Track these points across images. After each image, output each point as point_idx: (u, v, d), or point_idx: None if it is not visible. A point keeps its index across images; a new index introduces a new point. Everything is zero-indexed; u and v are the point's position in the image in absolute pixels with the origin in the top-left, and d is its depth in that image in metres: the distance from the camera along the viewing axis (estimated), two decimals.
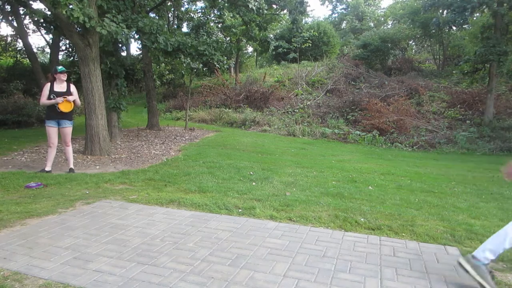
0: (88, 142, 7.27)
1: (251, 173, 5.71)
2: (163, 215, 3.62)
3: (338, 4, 38.16)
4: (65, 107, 5.56)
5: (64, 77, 5.64)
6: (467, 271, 2.26)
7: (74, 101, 5.69)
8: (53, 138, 5.62)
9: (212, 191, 4.55)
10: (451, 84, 16.63)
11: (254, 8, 9.83)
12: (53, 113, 5.57)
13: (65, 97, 5.53)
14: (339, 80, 18.13)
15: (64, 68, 5.73)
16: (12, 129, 12.22)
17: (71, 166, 5.76)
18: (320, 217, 3.61)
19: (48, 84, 5.61)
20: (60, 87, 5.62)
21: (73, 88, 5.75)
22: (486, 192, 5.22)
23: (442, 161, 9.06)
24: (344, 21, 36.16)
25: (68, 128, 5.73)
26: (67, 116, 5.68)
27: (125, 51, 12.56)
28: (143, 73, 12.14)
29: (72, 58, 17.48)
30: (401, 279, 2.38)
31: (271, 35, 13.07)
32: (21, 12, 14.75)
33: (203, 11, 20.25)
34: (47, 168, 5.62)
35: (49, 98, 5.50)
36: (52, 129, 5.61)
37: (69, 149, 5.80)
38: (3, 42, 19.66)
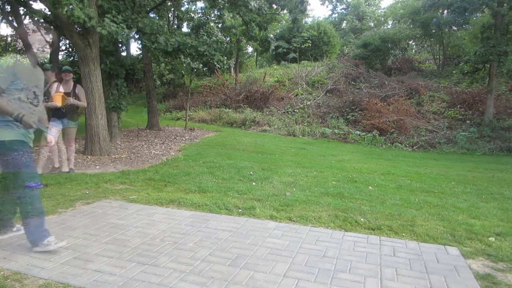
0: (88, 142, 7.27)
1: (251, 173, 5.71)
2: (163, 215, 3.62)
3: (338, 4, 38.19)
4: (57, 100, 5.25)
5: (67, 76, 5.54)
6: None
7: (76, 101, 5.54)
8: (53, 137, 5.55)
9: (212, 191, 4.55)
10: (451, 84, 16.63)
11: (254, 7, 9.82)
12: (57, 112, 5.46)
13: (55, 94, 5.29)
14: (339, 80, 18.13)
15: (67, 68, 5.65)
16: None
17: (71, 166, 5.74)
18: (320, 217, 3.61)
19: (55, 85, 5.46)
20: (65, 87, 5.51)
21: (78, 89, 5.66)
22: (486, 192, 5.22)
23: (442, 161, 9.06)
24: (344, 21, 36.18)
25: (71, 128, 5.69)
26: (71, 117, 5.62)
27: (125, 51, 12.56)
28: (143, 73, 12.14)
29: (72, 58, 17.47)
30: (401, 279, 2.38)
31: (271, 35, 13.03)
32: (21, 12, 14.74)
33: (203, 11, 20.26)
34: (56, 165, 5.67)
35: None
36: (51, 125, 5.37)
37: (71, 149, 5.76)
38: (3, 42, 19.65)
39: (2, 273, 2.32)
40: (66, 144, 5.80)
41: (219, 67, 16.33)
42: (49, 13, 7.96)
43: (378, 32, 22.36)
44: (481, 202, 4.57)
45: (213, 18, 20.00)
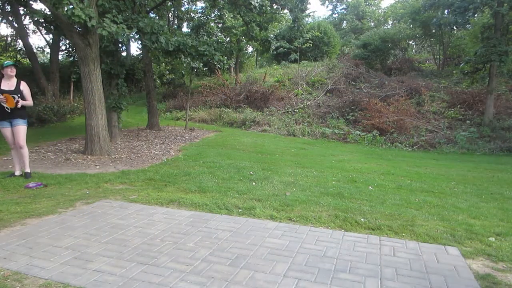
0: (88, 142, 7.27)
1: (251, 173, 5.71)
2: (163, 215, 3.62)
3: (338, 4, 38.20)
4: (10, 103, 4.97)
5: (11, 72, 5.05)
6: None
7: (22, 101, 5.12)
8: (10, 139, 5.20)
9: (212, 191, 4.55)
10: (451, 84, 16.62)
11: (256, 5, 9.74)
12: (3, 113, 5.05)
13: (5, 95, 4.97)
14: (339, 80, 18.12)
15: (10, 62, 5.16)
16: None
17: (27, 170, 5.26)
18: (320, 217, 3.61)
19: None
20: (7, 84, 5.05)
21: (23, 85, 5.19)
22: (486, 192, 5.22)
23: (442, 161, 9.06)
24: (344, 21, 36.19)
25: (20, 126, 5.15)
26: (19, 114, 5.13)
27: (125, 51, 12.56)
28: (143, 73, 12.14)
29: (72, 58, 17.50)
30: (401, 279, 2.38)
31: (272, 35, 13.04)
32: (21, 12, 14.76)
33: (203, 11, 20.26)
34: (16, 173, 5.27)
35: None
36: (5, 130, 5.16)
37: (24, 151, 5.22)
38: (3, 42, 19.66)
39: (2, 273, 2.32)
40: (16, 145, 5.23)
41: (220, 67, 16.34)
42: (49, 13, 7.96)
43: (378, 32, 22.32)
44: (481, 202, 4.57)
45: (213, 18, 20.00)
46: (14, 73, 5.14)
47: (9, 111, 5.05)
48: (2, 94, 4.97)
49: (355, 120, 13.93)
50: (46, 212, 3.59)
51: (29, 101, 5.28)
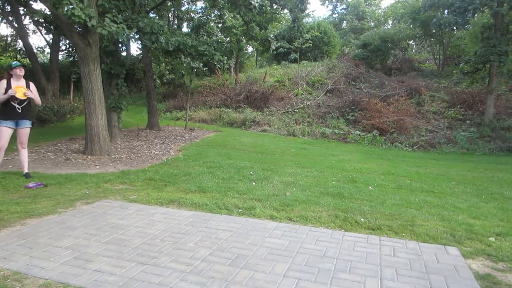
0: (88, 142, 7.27)
1: (251, 173, 5.71)
2: (163, 215, 3.62)
3: (338, 4, 38.20)
4: (20, 93, 5.06)
5: (21, 72, 5.14)
6: None
7: (33, 99, 5.29)
8: (7, 140, 5.14)
9: (212, 191, 4.55)
10: (451, 84, 16.62)
11: (256, 5, 9.74)
12: (12, 113, 5.09)
13: (16, 86, 5.05)
14: (339, 80, 18.12)
15: (19, 63, 5.24)
16: None
17: (26, 170, 5.28)
18: (320, 217, 3.61)
19: (4, 81, 5.06)
20: (17, 84, 5.14)
21: (32, 86, 5.34)
22: (486, 192, 5.22)
23: (442, 161, 9.06)
24: (344, 21, 36.18)
25: (28, 128, 5.32)
26: (28, 115, 5.28)
27: (125, 51, 12.57)
28: (143, 73, 12.13)
29: (72, 58, 17.49)
30: (401, 279, 2.38)
31: (272, 35, 13.05)
32: (21, 12, 14.76)
33: (203, 11, 20.26)
34: None
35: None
36: (8, 130, 5.13)
37: (25, 152, 5.33)
38: (3, 42, 19.66)
39: (2, 273, 2.32)
40: (19, 145, 5.28)
41: (220, 67, 16.35)
42: (49, 13, 7.96)
43: (378, 32, 22.31)
44: (481, 202, 4.57)
45: (213, 18, 20.00)
46: (23, 73, 5.21)
47: (20, 111, 5.12)
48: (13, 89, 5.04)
49: (355, 120, 13.94)
50: (46, 212, 3.59)
51: (38, 99, 5.43)
